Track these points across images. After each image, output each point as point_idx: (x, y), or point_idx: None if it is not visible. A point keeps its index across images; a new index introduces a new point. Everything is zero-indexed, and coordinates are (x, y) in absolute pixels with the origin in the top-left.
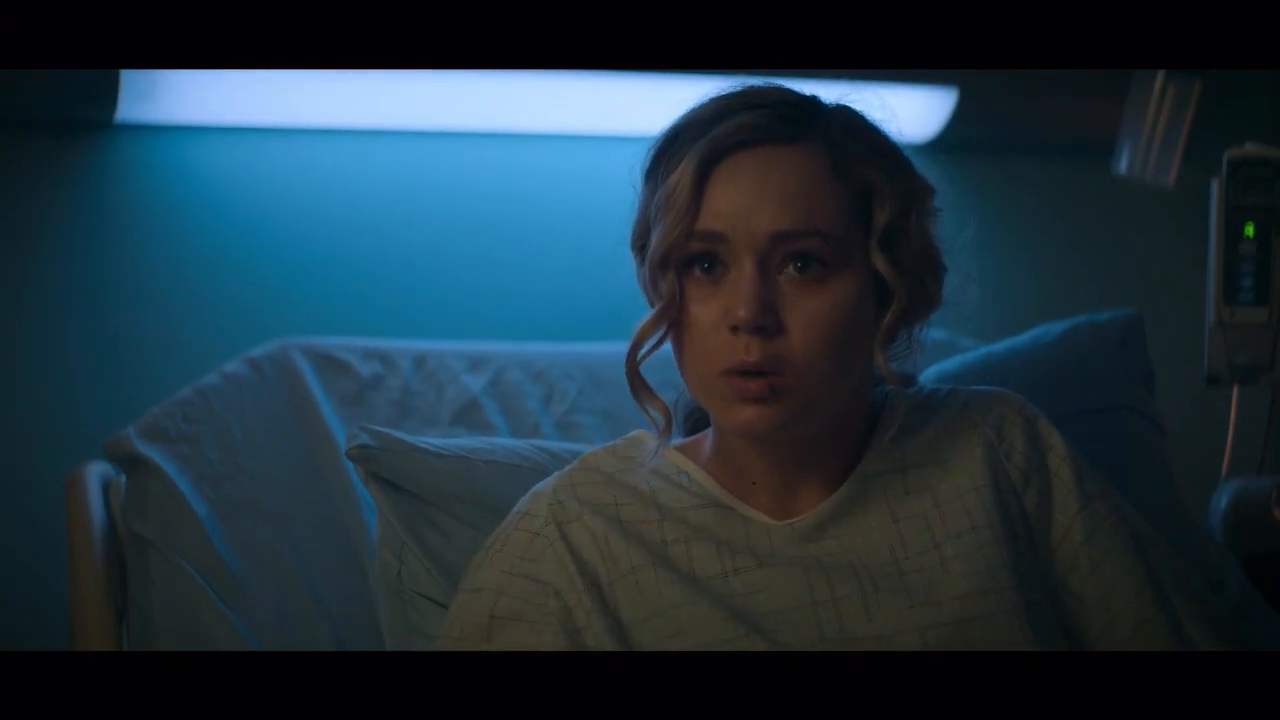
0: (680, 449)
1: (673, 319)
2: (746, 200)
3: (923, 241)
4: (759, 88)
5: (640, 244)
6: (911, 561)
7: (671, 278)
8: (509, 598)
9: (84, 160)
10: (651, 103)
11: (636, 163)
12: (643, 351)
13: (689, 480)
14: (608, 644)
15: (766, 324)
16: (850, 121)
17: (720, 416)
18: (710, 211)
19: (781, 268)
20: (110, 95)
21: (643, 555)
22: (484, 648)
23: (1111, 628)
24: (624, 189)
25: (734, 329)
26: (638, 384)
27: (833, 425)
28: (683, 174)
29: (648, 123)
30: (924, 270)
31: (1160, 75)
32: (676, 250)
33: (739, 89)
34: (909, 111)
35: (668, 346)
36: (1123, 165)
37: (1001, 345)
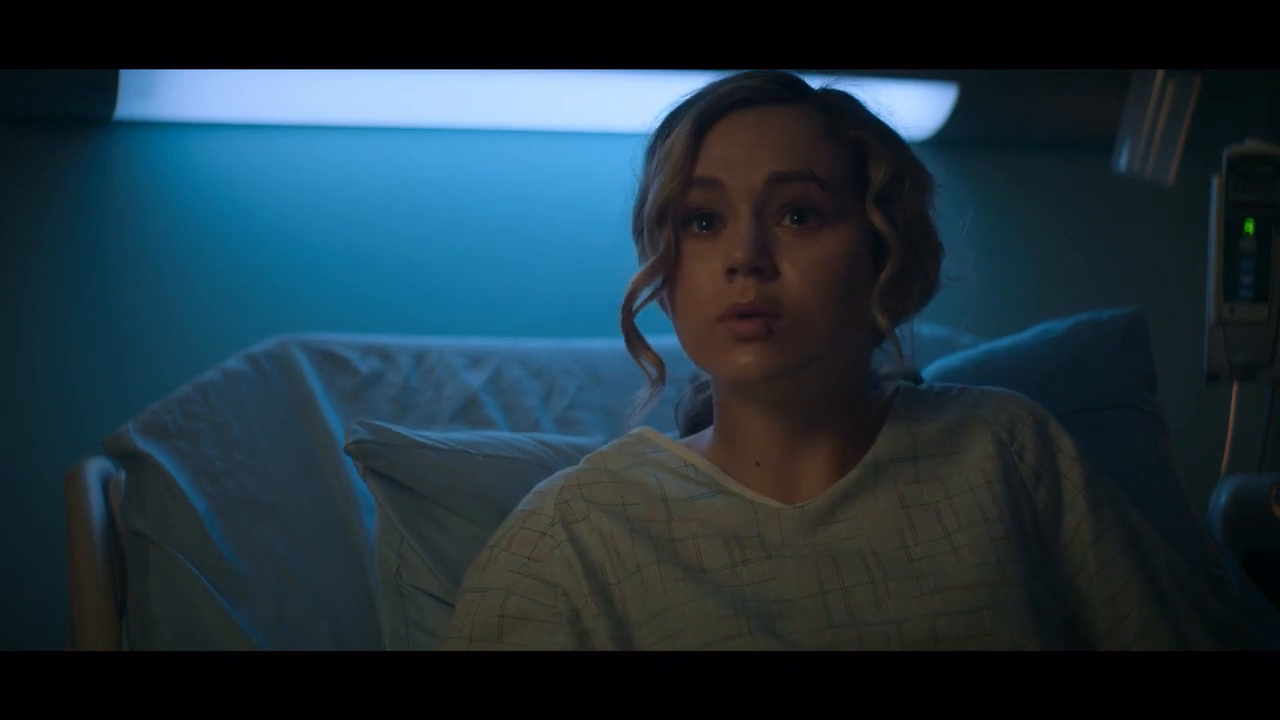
0: (684, 444)
1: (669, 273)
2: (743, 150)
3: (918, 213)
4: (756, 70)
5: (638, 226)
6: (922, 548)
7: (669, 230)
8: (518, 597)
9: (83, 156)
10: (652, 100)
11: (637, 158)
12: (637, 303)
13: (696, 472)
14: (612, 648)
15: (763, 265)
16: (847, 95)
17: (717, 367)
18: (707, 160)
19: (778, 218)
20: (110, 91)
21: (649, 553)
22: (495, 648)
23: (1117, 630)
24: (624, 186)
25: (731, 272)
26: (632, 336)
27: (831, 389)
28: (680, 132)
29: (648, 120)
30: (920, 244)
31: (1160, 72)
32: (674, 202)
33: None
34: (909, 107)
35: (671, 340)
36: (1123, 162)
37: (1004, 342)
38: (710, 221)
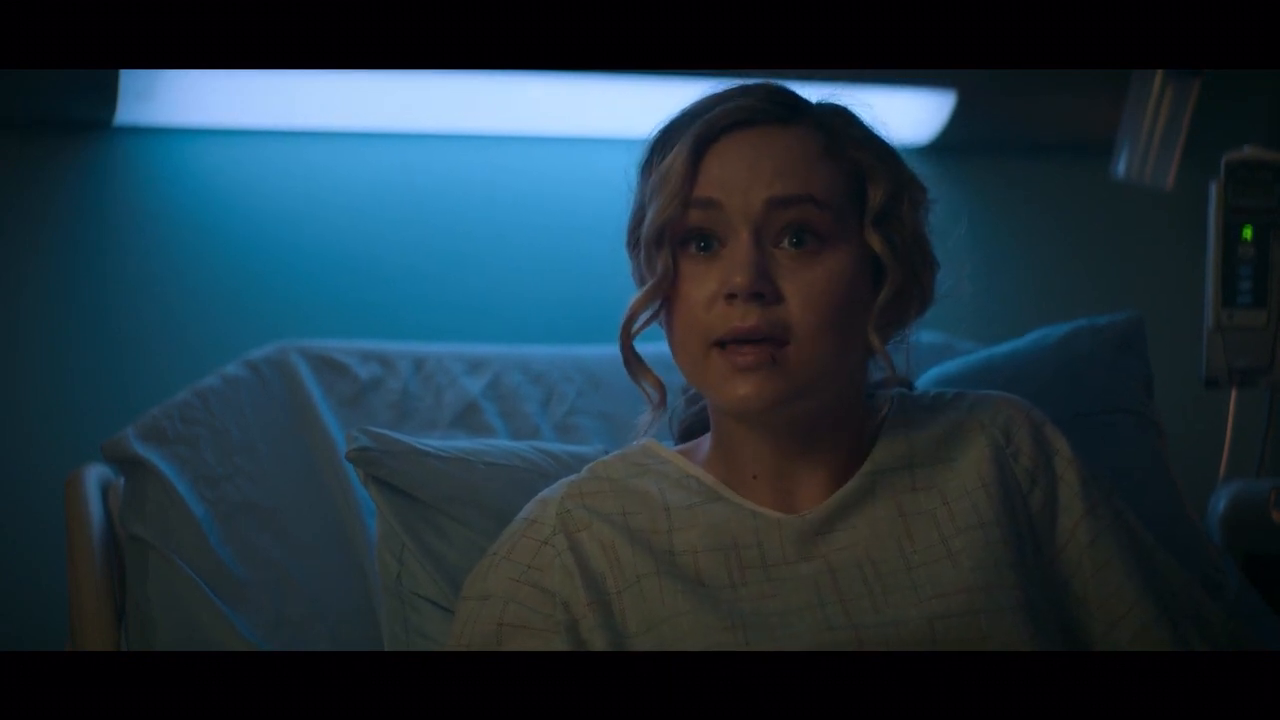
0: (680, 453)
1: (666, 295)
2: (742, 172)
3: (915, 231)
4: (753, 82)
5: (634, 239)
6: (920, 555)
7: (666, 254)
8: (517, 605)
9: (83, 160)
10: (650, 104)
11: (632, 168)
12: (636, 326)
13: (697, 484)
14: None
15: (764, 291)
16: (842, 111)
17: (716, 395)
18: (705, 182)
19: (777, 241)
20: (110, 95)
21: (649, 564)
22: None
23: (1112, 633)
24: (622, 191)
25: (730, 297)
26: (631, 358)
27: (829, 409)
28: (677, 153)
29: (646, 125)
30: (916, 260)
31: (1159, 75)
32: (672, 224)
33: (733, 86)
34: (907, 114)
35: (665, 350)
36: (1121, 168)
37: (1003, 348)
38: (709, 242)
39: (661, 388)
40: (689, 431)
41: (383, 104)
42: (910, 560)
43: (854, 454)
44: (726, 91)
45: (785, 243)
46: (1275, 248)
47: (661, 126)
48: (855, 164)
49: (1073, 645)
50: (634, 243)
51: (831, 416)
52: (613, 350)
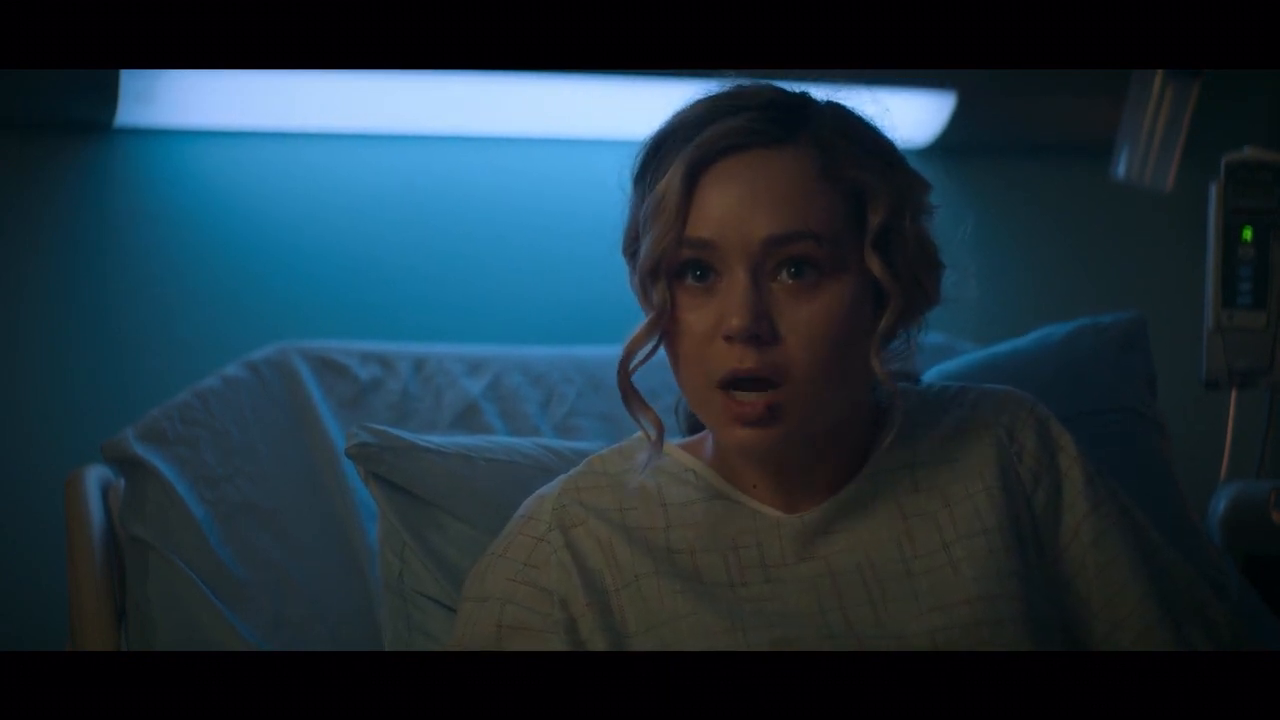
0: (683, 447)
1: (665, 329)
2: (737, 206)
3: (919, 240)
4: (747, 88)
5: (631, 250)
6: (921, 562)
7: (663, 287)
8: (515, 606)
9: (84, 162)
10: (649, 105)
11: (629, 167)
12: (634, 362)
13: (695, 477)
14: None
15: (761, 332)
16: (840, 120)
17: (718, 434)
18: (700, 219)
19: (775, 274)
20: (110, 97)
21: (647, 563)
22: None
23: (1115, 633)
24: (621, 192)
25: (728, 338)
26: (630, 395)
27: (830, 431)
28: (670, 181)
29: (645, 125)
30: (920, 270)
31: (1159, 76)
32: (667, 259)
33: (727, 90)
34: (908, 115)
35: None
36: (1121, 169)
37: (1005, 347)
38: (705, 273)
39: (660, 427)
40: (695, 424)
41: (382, 105)
42: (911, 566)
43: (856, 456)
44: (719, 100)
45: (784, 275)
46: (1275, 248)
47: (654, 136)
48: (853, 183)
49: (1073, 646)
50: (630, 253)
51: (831, 435)
52: (612, 351)
